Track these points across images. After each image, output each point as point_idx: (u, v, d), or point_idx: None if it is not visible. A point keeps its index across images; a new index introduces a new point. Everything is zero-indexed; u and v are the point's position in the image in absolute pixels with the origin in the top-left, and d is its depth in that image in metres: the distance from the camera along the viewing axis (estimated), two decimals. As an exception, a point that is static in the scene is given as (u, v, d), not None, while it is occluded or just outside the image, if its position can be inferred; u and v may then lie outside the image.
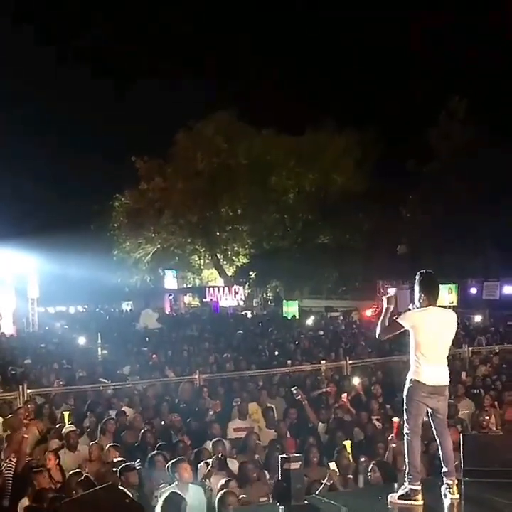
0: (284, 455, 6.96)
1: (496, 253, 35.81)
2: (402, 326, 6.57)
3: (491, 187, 35.88)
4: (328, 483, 7.85)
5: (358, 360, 15.76)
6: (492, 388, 12.75)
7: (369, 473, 8.15)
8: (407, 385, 6.63)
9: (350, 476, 8.55)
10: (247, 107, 46.70)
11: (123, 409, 11.95)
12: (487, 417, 10.53)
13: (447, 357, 6.73)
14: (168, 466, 8.14)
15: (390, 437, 8.76)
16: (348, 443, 8.87)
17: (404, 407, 6.65)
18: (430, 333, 6.50)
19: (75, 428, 10.44)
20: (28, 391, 12.53)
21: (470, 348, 16.91)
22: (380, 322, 6.75)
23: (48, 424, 11.37)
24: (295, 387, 11.44)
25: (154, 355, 18.70)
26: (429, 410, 6.59)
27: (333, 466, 8.12)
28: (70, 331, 28.16)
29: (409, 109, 41.18)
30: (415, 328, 6.52)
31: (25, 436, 9.13)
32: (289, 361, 16.39)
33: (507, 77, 36.96)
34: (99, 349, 21.26)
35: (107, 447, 9.39)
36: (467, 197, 36.73)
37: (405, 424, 6.63)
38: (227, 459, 8.90)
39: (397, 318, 6.66)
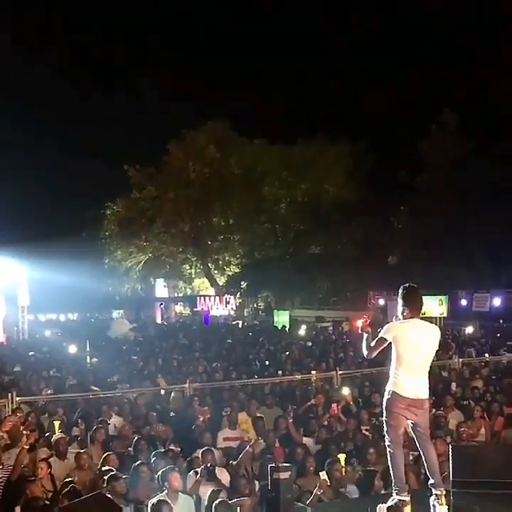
0: (273, 465, 6.97)
1: (486, 265, 35.93)
2: (386, 340, 6.60)
3: (481, 199, 36.05)
4: (319, 493, 7.85)
5: (349, 370, 15.78)
6: (482, 399, 12.77)
7: (376, 482, 8.16)
8: (386, 396, 6.64)
9: (343, 489, 8.54)
10: (239, 118, 46.90)
11: (113, 417, 11.92)
12: (467, 429, 10.54)
13: (431, 369, 6.75)
14: (159, 474, 8.14)
15: None
16: (342, 456, 8.85)
17: (384, 418, 6.66)
18: (411, 345, 6.53)
19: (64, 436, 10.41)
20: (17, 399, 12.47)
21: (460, 360, 16.96)
22: (364, 344, 6.80)
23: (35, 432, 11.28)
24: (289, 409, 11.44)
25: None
26: (410, 423, 6.60)
27: (323, 475, 8.12)
28: (61, 338, 28.04)
29: (402, 121, 41.41)
30: (396, 340, 6.55)
31: (25, 446, 9.05)
32: (279, 371, 16.39)
33: (497, 90, 37.18)
34: (88, 357, 21.18)
35: (105, 455, 9.36)
36: (458, 209, 36.89)
37: (386, 436, 6.63)
38: (217, 468, 8.89)
39: (380, 332, 6.70)
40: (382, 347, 6.66)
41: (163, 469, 8.18)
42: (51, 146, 52.60)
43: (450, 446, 7.49)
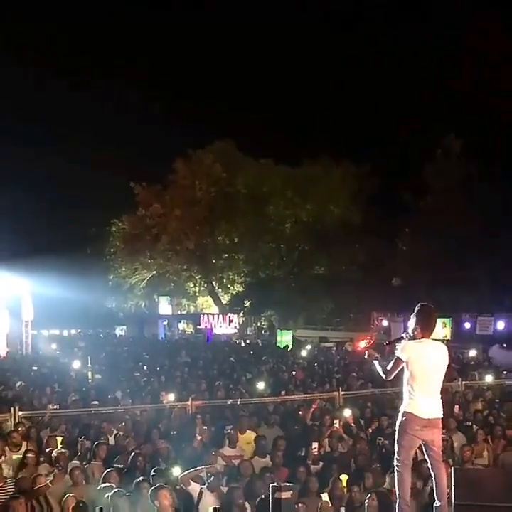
0: (275, 484, 6.95)
1: (490, 288, 35.89)
2: (403, 360, 6.60)
3: (485, 223, 36.11)
4: None
5: (351, 391, 15.75)
6: (485, 423, 12.72)
7: (366, 502, 8.14)
8: (401, 417, 6.63)
9: (343, 509, 8.51)
10: (245, 138, 47.08)
11: (114, 433, 11.91)
12: (469, 452, 10.52)
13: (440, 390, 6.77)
14: (150, 492, 8.07)
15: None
16: (344, 477, 8.82)
17: (397, 439, 6.65)
18: (425, 366, 6.55)
19: (64, 451, 10.38)
20: (20, 413, 12.44)
21: (463, 382, 16.90)
22: (379, 369, 6.79)
23: (35, 447, 11.24)
24: None
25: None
26: (423, 443, 6.59)
27: (325, 496, 8.09)
28: (65, 354, 28.02)
29: (407, 145, 41.51)
30: (411, 361, 6.55)
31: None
32: (283, 391, 16.36)
33: (501, 115, 37.31)
34: (90, 373, 21.17)
35: (106, 472, 9.31)
36: (462, 232, 36.92)
37: (396, 457, 6.62)
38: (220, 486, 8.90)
39: (394, 352, 6.69)
40: (400, 367, 6.67)
41: (153, 487, 8.10)
42: (58, 161, 52.83)
43: (453, 470, 7.46)
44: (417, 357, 6.55)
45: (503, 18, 39.34)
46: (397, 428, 6.67)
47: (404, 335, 6.81)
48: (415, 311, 6.73)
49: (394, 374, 6.74)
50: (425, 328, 6.67)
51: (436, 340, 6.92)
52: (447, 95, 41.83)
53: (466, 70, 41.78)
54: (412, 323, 6.74)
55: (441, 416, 6.68)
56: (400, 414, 6.67)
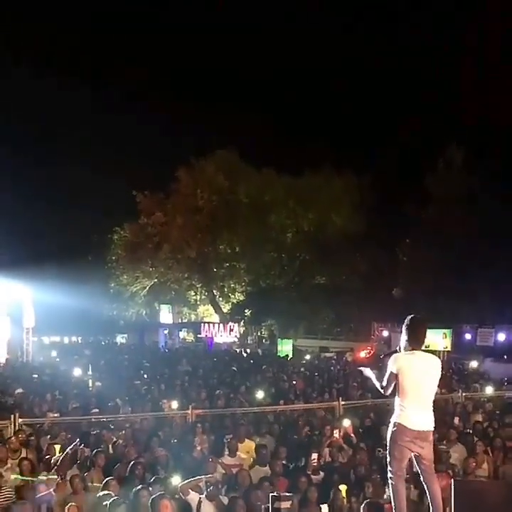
0: (275, 494, 6.94)
1: (491, 299, 35.85)
2: (395, 373, 6.62)
3: (486, 234, 36.12)
4: None
5: (351, 401, 15.74)
6: (485, 434, 12.69)
7: None
8: (391, 428, 6.64)
9: None
10: (247, 147, 47.14)
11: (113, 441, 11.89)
12: (474, 464, 10.51)
13: (434, 401, 6.76)
14: (149, 501, 8.05)
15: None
16: (344, 487, 8.81)
17: (388, 450, 6.65)
18: (415, 378, 6.55)
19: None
20: (20, 420, 12.44)
21: (464, 394, 16.88)
22: (377, 384, 6.80)
23: (34, 454, 11.22)
24: None
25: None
26: (414, 457, 6.58)
27: (324, 508, 8.07)
28: (66, 361, 27.99)
29: (409, 155, 41.59)
30: (401, 372, 6.56)
31: None
32: (281, 401, 16.34)
33: (503, 125, 37.38)
34: (90, 381, 21.16)
35: (106, 480, 9.28)
36: (463, 243, 36.93)
37: (388, 468, 6.61)
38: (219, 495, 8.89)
39: (387, 366, 6.71)
40: (395, 380, 6.68)
41: (153, 496, 8.06)
42: (61, 167, 52.91)
43: (452, 481, 7.44)
44: (407, 369, 6.55)
45: (503, 18, 39.53)
46: (387, 439, 6.67)
47: (398, 348, 6.83)
48: (405, 324, 6.75)
49: (391, 388, 6.72)
50: (414, 340, 6.69)
51: (434, 351, 6.93)
52: (447, 95, 41.95)
53: (466, 70, 41.95)
54: (403, 335, 6.77)
55: (432, 429, 6.67)
56: (390, 425, 6.67)
